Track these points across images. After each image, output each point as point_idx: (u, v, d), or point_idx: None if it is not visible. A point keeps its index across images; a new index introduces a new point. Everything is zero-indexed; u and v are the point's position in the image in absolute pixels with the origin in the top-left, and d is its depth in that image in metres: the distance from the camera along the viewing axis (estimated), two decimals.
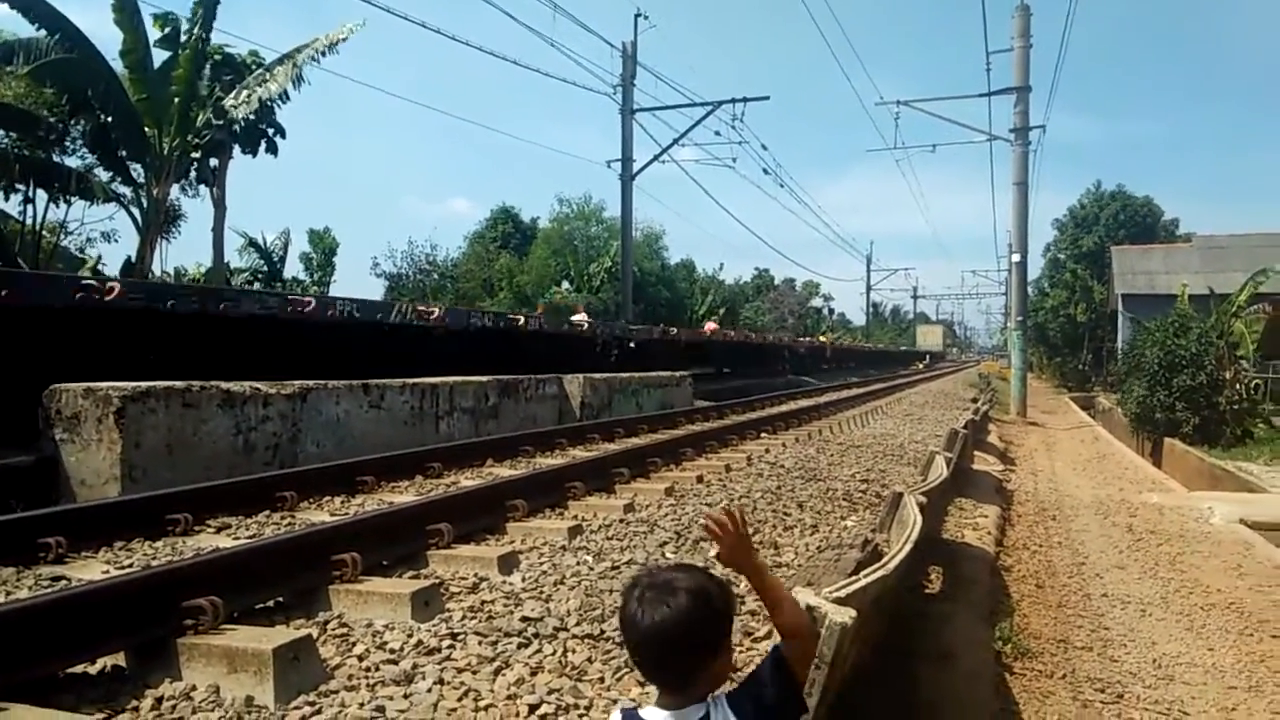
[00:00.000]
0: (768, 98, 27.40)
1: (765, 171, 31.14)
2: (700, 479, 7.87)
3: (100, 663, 3.36)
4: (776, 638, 1.92)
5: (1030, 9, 24.04)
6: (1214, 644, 6.15)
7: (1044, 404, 32.91)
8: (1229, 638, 6.26)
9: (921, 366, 61.38)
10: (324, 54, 22.76)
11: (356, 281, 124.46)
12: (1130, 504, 11.09)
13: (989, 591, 6.57)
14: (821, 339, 47.62)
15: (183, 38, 21.81)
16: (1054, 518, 10.13)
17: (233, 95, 22.75)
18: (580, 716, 3.02)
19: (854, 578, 3.15)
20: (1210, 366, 23.67)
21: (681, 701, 1.74)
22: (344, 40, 22.84)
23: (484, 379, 11.89)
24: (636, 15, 26.94)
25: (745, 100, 26.76)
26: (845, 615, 2.63)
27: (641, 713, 1.77)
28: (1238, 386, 24.80)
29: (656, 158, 27.59)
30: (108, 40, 20.51)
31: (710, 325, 35.54)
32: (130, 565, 4.67)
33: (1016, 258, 25.22)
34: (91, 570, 4.58)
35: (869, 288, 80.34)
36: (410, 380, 10.46)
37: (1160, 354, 24.00)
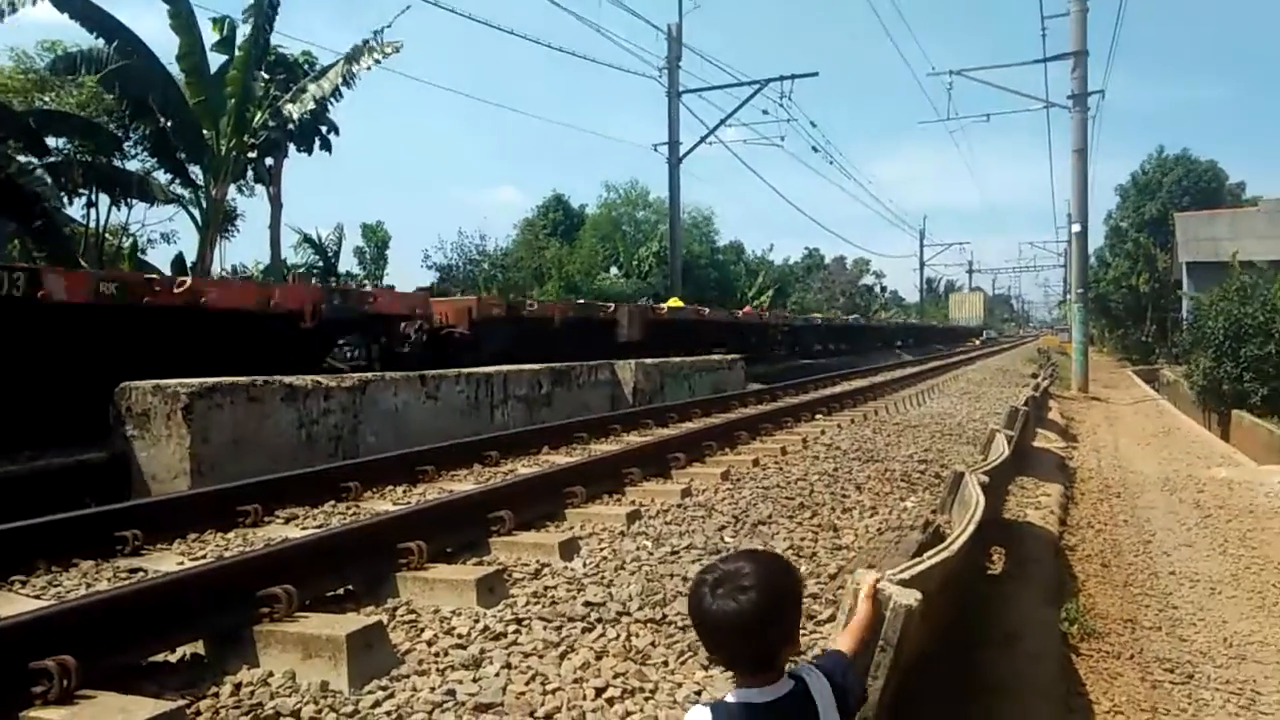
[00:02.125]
0: (816, 74, 27.30)
1: (814, 149, 30.86)
2: (756, 462, 7.87)
3: (180, 651, 3.48)
4: (837, 640, 2.17)
5: None
6: None
7: (1106, 378, 32.16)
8: None
9: (977, 343, 59.68)
10: (379, 61, 22.95)
11: (409, 273, 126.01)
12: (1198, 479, 10.84)
13: (1053, 572, 6.49)
14: (758, 307, 31.52)
15: (239, 40, 22.24)
16: (1119, 495, 9.94)
17: (289, 96, 23.14)
18: (646, 699, 3.06)
19: (917, 560, 3.14)
20: None
21: (763, 680, 1.80)
22: (398, 52, 22.94)
23: (537, 367, 11.99)
24: None
25: (793, 77, 26.57)
26: (910, 598, 2.62)
27: (729, 698, 1.82)
28: None
29: (703, 139, 27.52)
30: (165, 46, 20.89)
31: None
32: (204, 556, 4.82)
33: (1076, 228, 24.61)
34: (167, 562, 4.73)
35: (922, 263, 79.37)
36: (465, 370, 10.60)
37: (1226, 323, 23.28)
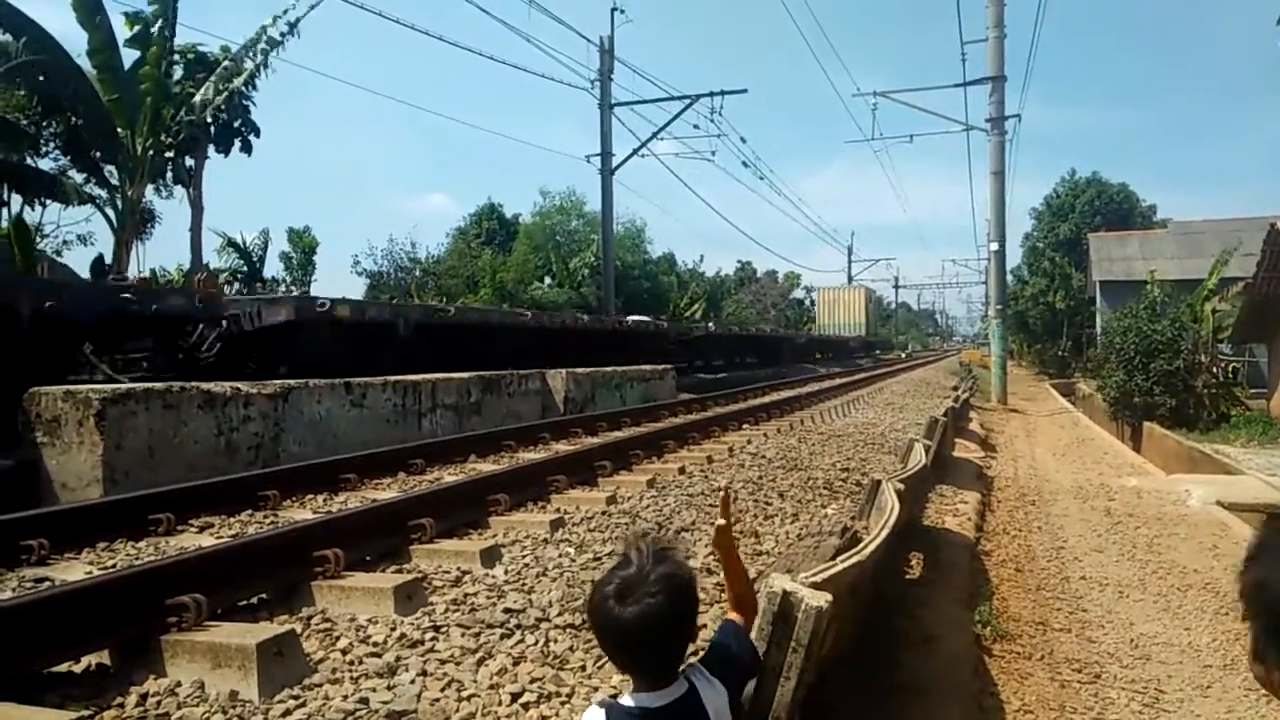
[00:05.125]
0: (745, 91, 27.54)
1: (745, 164, 31.43)
2: (682, 470, 7.91)
3: (85, 661, 3.38)
4: (728, 611, 2.19)
5: None
6: (1190, 624, 6.24)
7: (1024, 391, 33.14)
8: (1205, 617, 6.36)
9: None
10: (285, 36, 22.41)
11: (338, 280, 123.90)
12: (1109, 488, 11.21)
13: (969, 576, 6.64)
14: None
15: (154, 35, 21.62)
16: (1034, 503, 10.23)
17: (201, 90, 22.57)
18: (562, 704, 3.06)
19: (831, 563, 3.20)
20: (1186, 351, 23.87)
21: (660, 683, 1.80)
22: (303, 17, 22.46)
23: (466, 375, 11.89)
24: (613, 10, 26.95)
25: (723, 93, 26.84)
26: (821, 600, 2.67)
27: (625, 700, 1.82)
28: (1214, 370, 25.04)
29: (635, 152, 27.64)
30: (77, 42, 20.28)
31: None
32: (113, 565, 4.66)
33: (994, 246, 25.32)
34: (75, 571, 4.57)
35: (850, 279, 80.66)
36: (392, 378, 10.45)
37: (1137, 339, 24.19)
